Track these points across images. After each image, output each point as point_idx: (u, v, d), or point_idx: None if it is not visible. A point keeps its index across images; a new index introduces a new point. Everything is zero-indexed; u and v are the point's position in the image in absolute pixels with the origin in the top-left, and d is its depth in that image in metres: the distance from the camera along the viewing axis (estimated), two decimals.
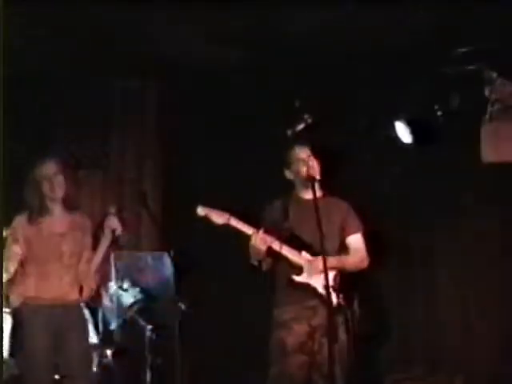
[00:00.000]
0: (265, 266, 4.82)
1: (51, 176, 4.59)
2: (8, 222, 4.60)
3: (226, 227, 4.67)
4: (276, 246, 4.68)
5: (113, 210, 4.74)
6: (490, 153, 5.82)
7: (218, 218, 4.68)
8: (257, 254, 4.72)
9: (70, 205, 4.70)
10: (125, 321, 5.64)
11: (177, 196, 5.94)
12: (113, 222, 4.70)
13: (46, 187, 4.60)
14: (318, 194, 4.74)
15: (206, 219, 4.69)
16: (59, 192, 4.63)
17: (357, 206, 4.99)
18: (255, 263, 4.80)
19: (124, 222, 4.81)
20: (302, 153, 4.86)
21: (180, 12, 5.02)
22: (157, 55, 5.72)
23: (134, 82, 6.07)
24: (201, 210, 4.71)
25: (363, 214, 4.98)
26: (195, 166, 6.12)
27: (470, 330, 5.65)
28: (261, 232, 4.66)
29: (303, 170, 4.83)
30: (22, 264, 4.56)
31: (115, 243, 4.80)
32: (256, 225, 4.73)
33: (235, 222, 4.69)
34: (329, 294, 4.45)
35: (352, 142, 5.81)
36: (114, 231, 4.71)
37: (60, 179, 4.61)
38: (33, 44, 5.33)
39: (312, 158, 4.82)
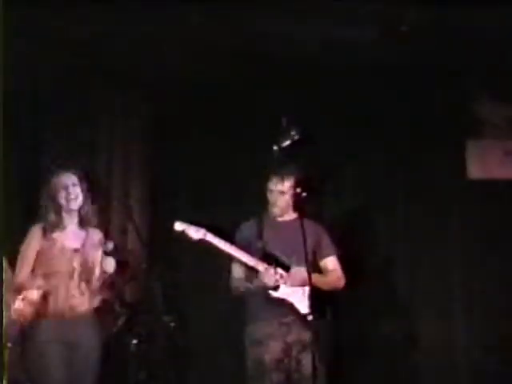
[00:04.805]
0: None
1: (68, 186, 4.59)
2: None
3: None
4: (249, 261, 4.73)
5: None
6: (476, 170, 5.86)
7: (195, 233, 4.72)
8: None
9: (85, 220, 4.67)
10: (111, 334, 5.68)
11: (163, 210, 5.97)
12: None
13: (61, 198, 4.58)
14: (293, 216, 4.84)
15: (183, 235, 4.74)
16: (75, 204, 4.61)
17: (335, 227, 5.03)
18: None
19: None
20: (279, 185, 4.85)
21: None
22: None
23: (121, 99, 6.11)
24: (178, 226, 4.75)
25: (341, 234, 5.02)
26: (181, 180, 6.16)
27: (449, 345, 5.67)
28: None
29: (280, 201, 4.85)
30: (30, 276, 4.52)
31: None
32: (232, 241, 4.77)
33: (211, 238, 4.74)
34: (312, 309, 4.51)
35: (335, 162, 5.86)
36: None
37: (77, 190, 4.61)
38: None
39: (293, 188, 4.82)
